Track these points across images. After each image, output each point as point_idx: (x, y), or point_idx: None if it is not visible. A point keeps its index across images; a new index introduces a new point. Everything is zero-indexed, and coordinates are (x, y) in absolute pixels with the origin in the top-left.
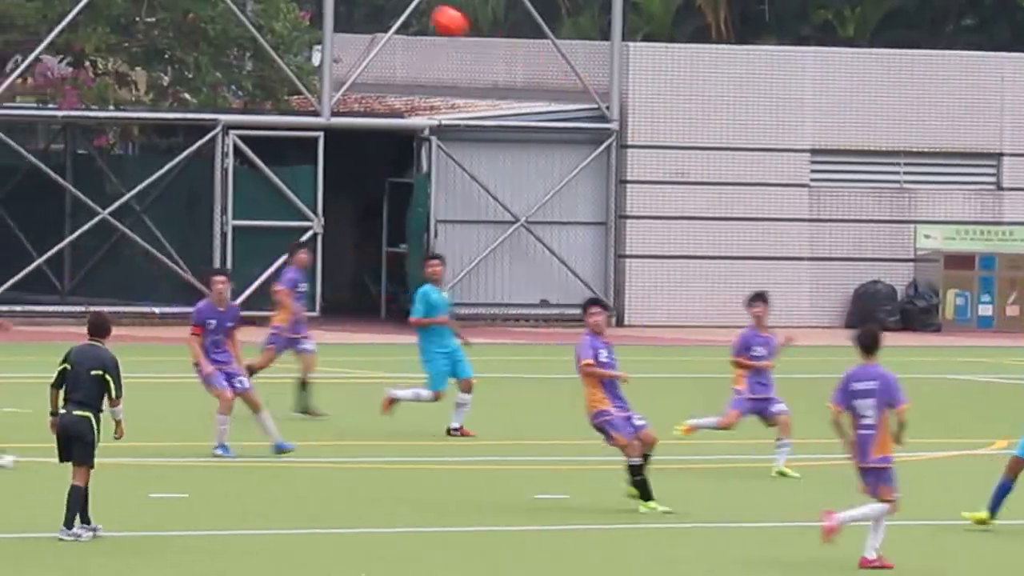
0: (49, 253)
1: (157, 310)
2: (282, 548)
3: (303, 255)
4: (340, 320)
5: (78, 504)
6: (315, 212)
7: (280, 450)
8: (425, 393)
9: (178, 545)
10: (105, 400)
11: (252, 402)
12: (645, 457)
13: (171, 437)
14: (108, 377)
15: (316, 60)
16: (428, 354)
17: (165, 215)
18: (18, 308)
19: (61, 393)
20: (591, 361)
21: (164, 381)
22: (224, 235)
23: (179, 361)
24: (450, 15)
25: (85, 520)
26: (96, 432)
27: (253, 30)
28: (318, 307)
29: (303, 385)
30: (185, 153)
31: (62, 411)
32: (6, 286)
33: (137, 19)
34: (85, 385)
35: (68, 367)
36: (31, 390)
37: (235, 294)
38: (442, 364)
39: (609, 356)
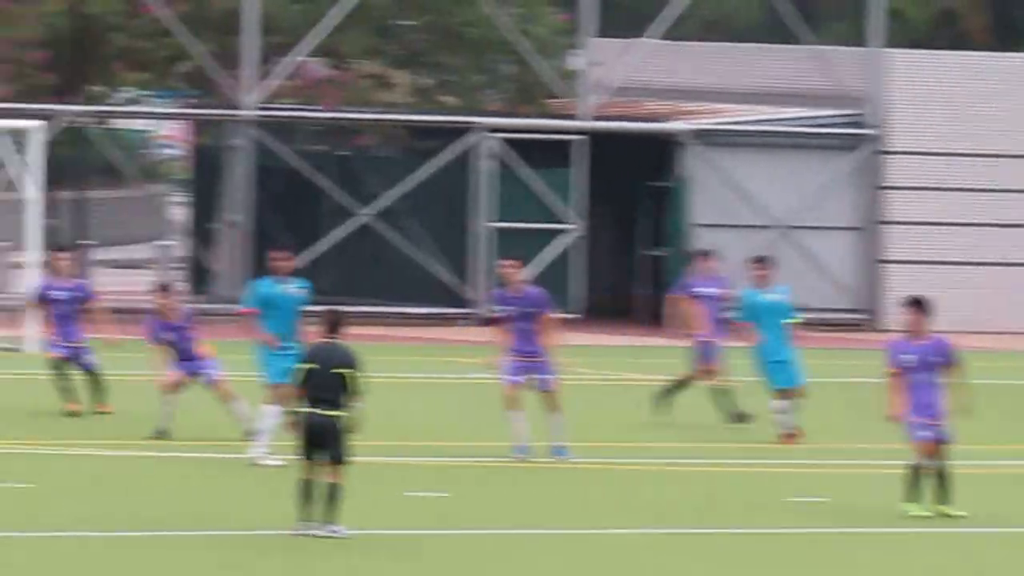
0: (308, 254)
1: (416, 310)
2: (536, 548)
3: (709, 262)
4: (600, 323)
5: (337, 500)
6: (574, 215)
7: (558, 454)
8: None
9: (433, 545)
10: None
11: (550, 402)
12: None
13: (431, 436)
14: (352, 374)
15: (575, 64)
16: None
17: (425, 216)
18: None
19: (303, 392)
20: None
21: (423, 381)
22: (483, 237)
23: (437, 361)
24: None
25: (308, 518)
26: (345, 430)
27: (513, 34)
28: (578, 309)
29: (716, 389)
30: (445, 155)
31: (308, 410)
32: None
33: (399, 22)
34: (330, 384)
35: (313, 366)
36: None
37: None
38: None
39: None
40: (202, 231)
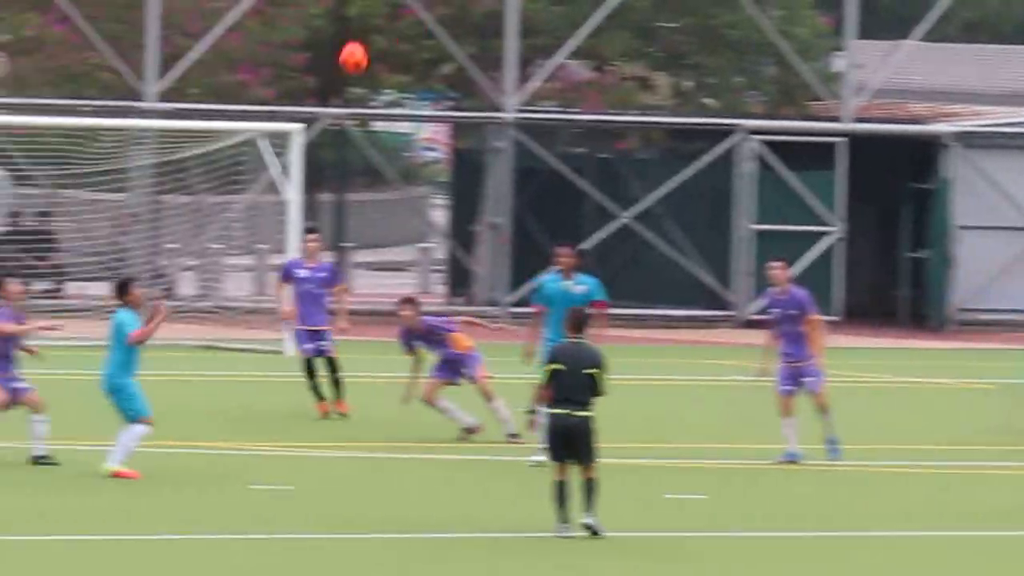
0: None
1: (678, 312)
2: (798, 551)
3: None
4: (861, 324)
5: (594, 493)
6: (836, 217)
7: (832, 453)
8: None
9: (693, 547)
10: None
11: (820, 404)
12: None
13: (690, 438)
14: (599, 374)
15: (837, 66)
16: None
17: (685, 219)
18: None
19: (551, 394)
20: None
21: (684, 383)
22: (744, 239)
23: (698, 363)
24: (349, 51)
25: (565, 519)
26: (594, 431)
27: (775, 36)
28: (838, 311)
29: None
30: (706, 157)
31: (558, 412)
32: (527, 287)
33: (659, 24)
34: (580, 384)
35: (560, 367)
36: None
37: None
38: None
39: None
40: (462, 233)
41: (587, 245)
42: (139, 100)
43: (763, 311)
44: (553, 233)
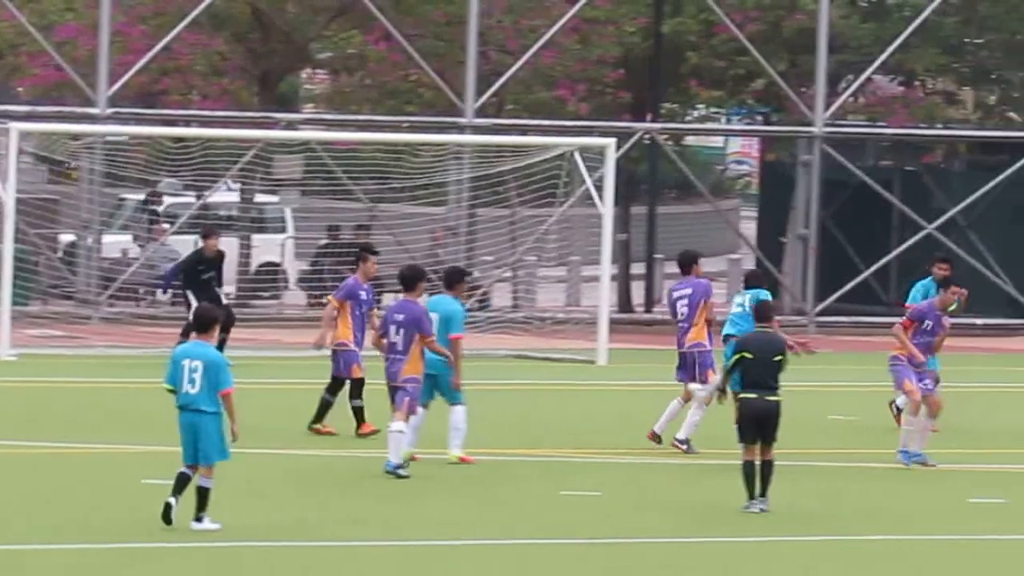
0: (876, 266)
1: (979, 321)
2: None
3: None
4: None
5: (768, 478)
6: None
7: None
8: None
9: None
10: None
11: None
12: None
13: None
14: (785, 360)
15: None
16: None
17: (988, 231)
18: (844, 319)
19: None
20: None
21: (993, 391)
22: None
23: (1002, 371)
24: None
25: (762, 494)
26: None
27: None
28: None
29: None
30: (1010, 171)
31: (751, 396)
32: (834, 297)
33: (967, 40)
34: (771, 370)
35: (749, 355)
36: (858, 398)
37: None
38: None
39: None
40: (771, 245)
41: (892, 256)
42: (458, 116)
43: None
44: (862, 244)
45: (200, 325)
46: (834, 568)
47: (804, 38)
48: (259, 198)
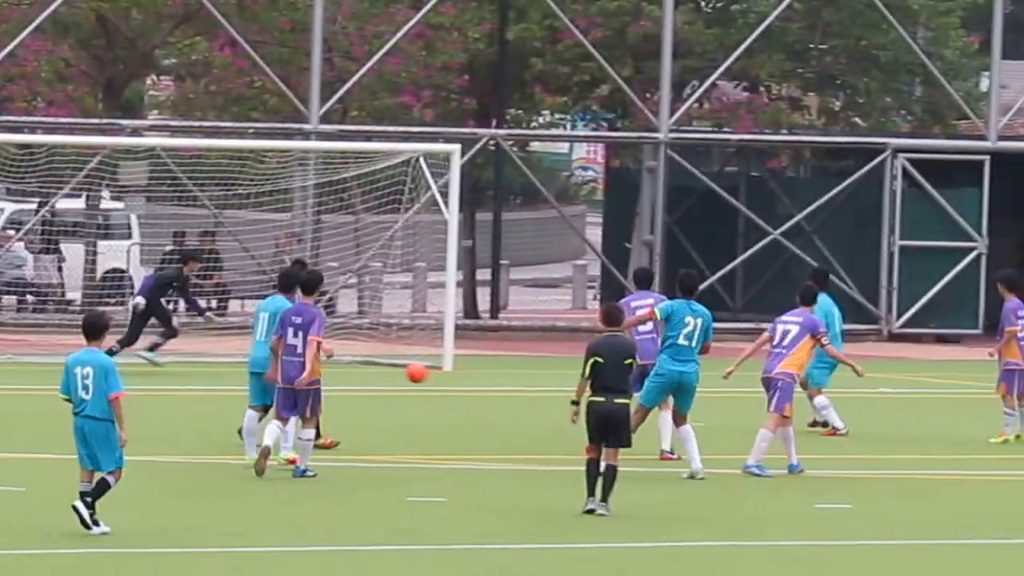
0: (721, 272)
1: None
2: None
3: None
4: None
5: (611, 484)
6: (979, 233)
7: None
8: None
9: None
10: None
11: None
12: None
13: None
14: (635, 363)
15: (983, 86)
16: None
17: (833, 235)
18: None
19: (590, 384)
20: None
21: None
22: (891, 255)
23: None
24: (414, 369)
25: (603, 499)
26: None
27: (923, 56)
28: (981, 324)
29: None
30: (855, 176)
31: (600, 399)
32: None
33: (811, 46)
34: (621, 374)
35: (601, 359)
36: (705, 404)
37: (900, 313)
38: None
39: None
40: (616, 250)
41: (738, 261)
42: (303, 122)
43: None
44: (707, 249)
45: (90, 332)
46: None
47: (649, 44)
48: (105, 204)
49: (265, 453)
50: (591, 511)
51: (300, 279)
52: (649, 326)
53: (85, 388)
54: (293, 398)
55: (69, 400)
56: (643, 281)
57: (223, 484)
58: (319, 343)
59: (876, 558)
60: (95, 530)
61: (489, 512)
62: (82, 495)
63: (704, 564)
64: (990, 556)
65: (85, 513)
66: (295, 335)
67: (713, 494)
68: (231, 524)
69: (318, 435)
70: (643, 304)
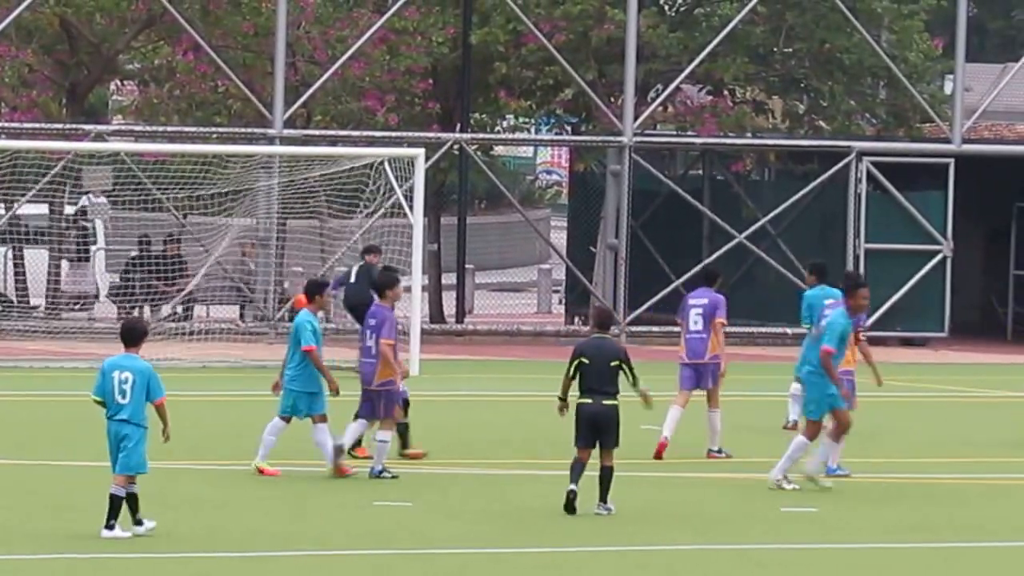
0: (686, 275)
1: (790, 331)
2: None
3: None
4: (967, 340)
5: (608, 483)
6: (944, 236)
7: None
8: None
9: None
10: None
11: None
12: None
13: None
14: (624, 366)
15: (947, 89)
16: None
17: (798, 239)
18: (655, 328)
19: (575, 384)
20: None
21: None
22: (856, 258)
23: None
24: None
25: (602, 499)
26: (618, 418)
27: (887, 59)
28: (946, 327)
29: None
30: (820, 179)
31: (587, 401)
32: (644, 307)
33: (775, 49)
34: (607, 376)
35: (586, 360)
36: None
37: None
38: None
39: None
40: (580, 255)
41: (703, 265)
42: (267, 127)
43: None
44: (672, 253)
45: (128, 338)
46: None
47: (613, 48)
48: (68, 210)
49: (338, 451)
50: (574, 492)
51: (375, 282)
52: (700, 325)
53: (122, 393)
54: (369, 399)
55: (101, 403)
56: (706, 279)
57: (193, 491)
58: (392, 345)
59: (839, 562)
60: (141, 529)
61: (455, 517)
62: (112, 499)
63: (670, 567)
64: (949, 559)
65: (132, 518)
66: (370, 337)
67: (685, 497)
68: (200, 530)
69: (405, 444)
70: (699, 302)
